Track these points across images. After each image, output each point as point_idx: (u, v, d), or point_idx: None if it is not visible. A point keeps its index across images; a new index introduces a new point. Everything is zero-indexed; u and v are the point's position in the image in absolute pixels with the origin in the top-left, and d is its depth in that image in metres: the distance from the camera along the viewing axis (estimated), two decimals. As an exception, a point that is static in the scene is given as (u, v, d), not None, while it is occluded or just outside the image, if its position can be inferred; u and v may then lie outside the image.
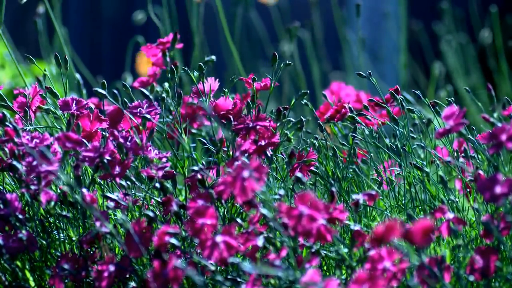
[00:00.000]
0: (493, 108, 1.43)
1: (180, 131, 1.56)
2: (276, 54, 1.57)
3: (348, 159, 1.54)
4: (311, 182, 1.56)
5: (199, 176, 1.42)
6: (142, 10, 2.71)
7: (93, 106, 1.58)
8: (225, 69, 3.36)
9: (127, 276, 1.40)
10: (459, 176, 1.51)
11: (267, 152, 1.49)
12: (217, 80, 1.58)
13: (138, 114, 1.52)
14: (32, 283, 1.47)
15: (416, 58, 4.32)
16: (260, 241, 1.32)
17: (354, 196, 1.39)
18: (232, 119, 1.50)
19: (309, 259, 1.29)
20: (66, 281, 1.41)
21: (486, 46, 3.72)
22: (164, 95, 1.61)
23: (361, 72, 1.59)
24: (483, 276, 1.29)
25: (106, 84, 1.60)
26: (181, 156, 1.57)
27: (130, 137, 1.45)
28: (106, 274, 1.33)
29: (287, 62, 1.58)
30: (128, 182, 1.43)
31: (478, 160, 1.47)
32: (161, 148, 1.56)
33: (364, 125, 1.56)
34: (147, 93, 1.57)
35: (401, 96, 1.55)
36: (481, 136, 1.39)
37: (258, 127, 1.50)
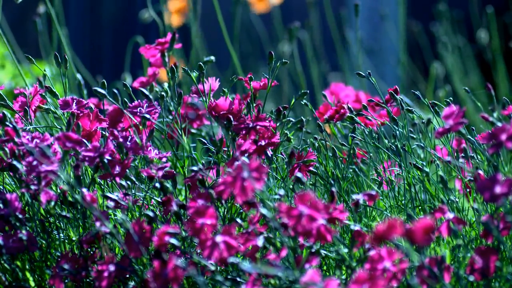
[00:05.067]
0: (492, 108, 1.43)
1: (179, 131, 1.56)
2: (273, 53, 1.57)
3: (347, 159, 1.54)
4: (311, 182, 1.56)
5: (199, 176, 1.42)
6: (145, 10, 2.71)
7: (93, 106, 1.58)
8: (226, 69, 3.37)
9: (127, 276, 1.40)
10: (459, 176, 1.51)
11: (267, 152, 1.49)
12: (218, 80, 1.58)
13: (137, 113, 1.52)
14: (32, 283, 1.47)
15: (415, 58, 4.33)
16: (260, 241, 1.32)
17: (354, 196, 1.39)
18: (232, 119, 1.50)
19: (309, 259, 1.29)
20: (66, 281, 1.41)
21: (484, 46, 3.72)
22: (164, 94, 1.61)
23: (360, 72, 1.59)
24: (483, 276, 1.29)
25: (106, 84, 1.60)
26: (181, 156, 1.57)
27: (130, 137, 1.45)
28: (106, 274, 1.33)
29: (284, 60, 1.58)
30: (128, 182, 1.43)
31: (477, 160, 1.47)
32: (161, 148, 1.56)
33: (363, 125, 1.56)
34: (147, 93, 1.57)
35: (400, 97, 1.55)
36: (480, 136, 1.39)
37: (258, 127, 1.50)
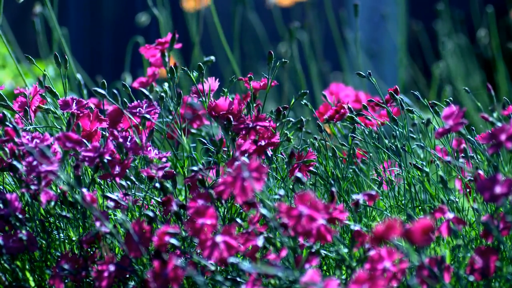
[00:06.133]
0: (492, 108, 1.43)
1: (179, 131, 1.56)
2: (272, 53, 1.57)
3: (347, 159, 1.54)
4: (311, 182, 1.56)
5: (199, 176, 1.42)
6: (144, 11, 2.71)
7: (93, 106, 1.58)
8: (226, 69, 3.37)
9: (127, 276, 1.40)
10: (459, 176, 1.51)
11: (267, 152, 1.49)
12: (217, 80, 1.58)
13: (137, 114, 1.52)
14: (32, 283, 1.47)
15: (416, 58, 4.33)
16: (260, 241, 1.32)
17: (354, 196, 1.39)
18: (232, 119, 1.50)
19: (309, 259, 1.29)
20: (66, 281, 1.41)
21: (485, 46, 3.72)
22: (164, 95, 1.61)
23: (360, 72, 1.59)
24: (483, 276, 1.29)
25: (106, 84, 1.60)
26: (181, 156, 1.57)
27: (130, 137, 1.45)
28: (106, 274, 1.33)
29: (283, 60, 1.58)
30: (128, 182, 1.43)
31: (477, 160, 1.47)
32: (161, 148, 1.56)
33: (363, 125, 1.56)
34: (146, 93, 1.57)
35: (400, 97, 1.55)
36: (480, 136, 1.39)
37: (258, 127, 1.50)
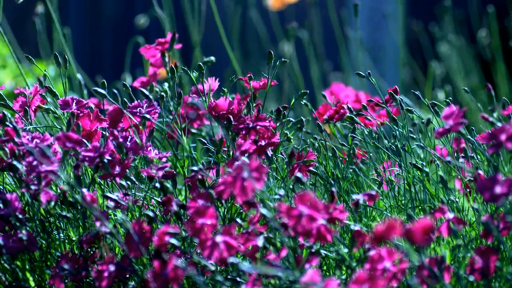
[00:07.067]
0: (492, 108, 1.43)
1: (179, 131, 1.56)
2: (272, 52, 1.57)
3: (347, 159, 1.54)
4: (311, 182, 1.56)
5: (199, 176, 1.42)
6: (144, 12, 2.71)
7: (93, 106, 1.58)
8: (226, 69, 3.37)
9: (127, 276, 1.40)
10: (459, 176, 1.51)
11: (267, 152, 1.49)
12: (217, 79, 1.58)
13: (137, 113, 1.52)
14: (32, 283, 1.47)
15: (417, 58, 4.33)
16: (260, 241, 1.32)
17: (354, 196, 1.39)
18: (232, 119, 1.50)
19: (309, 259, 1.29)
20: (66, 281, 1.41)
21: (484, 46, 3.72)
22: (164, 95, 1.61)
23: (360, 72, 1.59)
24: (483, 276, 1.29)
25: (106, 84, 1.60)
26: (181, 156, 1.57)
27: (130, 137, 1.45)
28: (106, 274, 1.33)
29: (283, 60, 1.58)
30: (128, 182, 1.43)
31: (477, 160, 1.47)
32: (161, 148, 1.56)
33: (363, 125, 1.56)
34: (147, 93, 1.57)
35: (400, 97, 1.55)
36: (480, 136, 1.39)
37: (258, 127, 1.50)
